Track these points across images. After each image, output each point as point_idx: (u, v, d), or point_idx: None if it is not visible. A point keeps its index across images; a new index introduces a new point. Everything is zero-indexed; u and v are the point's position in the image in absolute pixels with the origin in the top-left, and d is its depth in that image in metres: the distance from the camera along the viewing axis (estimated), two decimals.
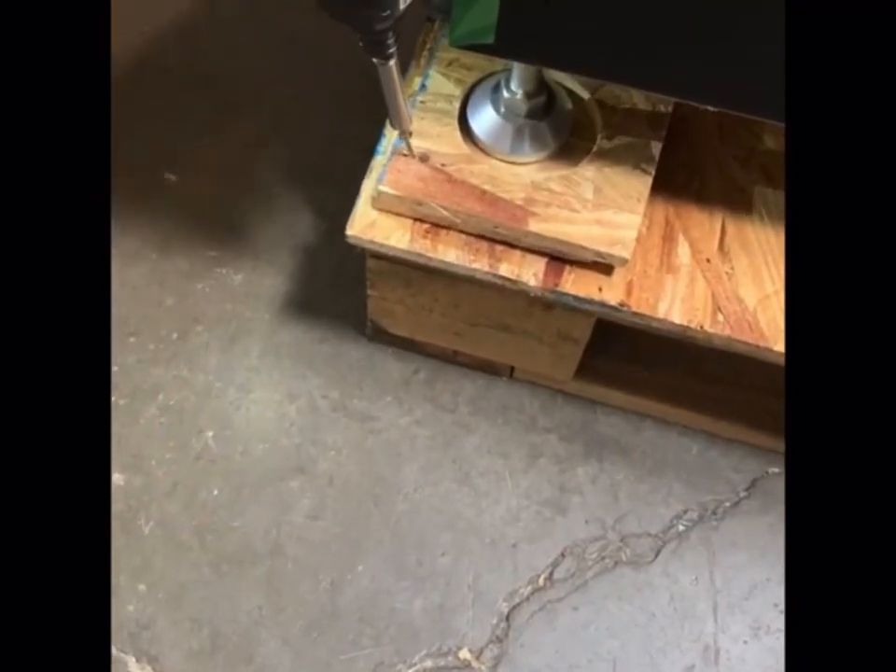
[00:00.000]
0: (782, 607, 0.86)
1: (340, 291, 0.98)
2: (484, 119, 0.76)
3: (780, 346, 0.72)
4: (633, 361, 0.91)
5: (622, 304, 0.74)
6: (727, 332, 0.73)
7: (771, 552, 0.88)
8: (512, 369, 0.93)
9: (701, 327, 0.73)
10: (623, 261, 0.72)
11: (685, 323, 0.73)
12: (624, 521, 0.89)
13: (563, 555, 0.88)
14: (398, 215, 0.75)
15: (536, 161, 0.76)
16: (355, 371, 0.95)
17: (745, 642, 0.85)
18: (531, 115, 0.75)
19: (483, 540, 0.88)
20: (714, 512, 0.90)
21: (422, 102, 0.77)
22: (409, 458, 0.91)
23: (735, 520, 0.90)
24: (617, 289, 0.74)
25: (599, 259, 0.72)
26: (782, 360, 0.73)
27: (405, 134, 0.74)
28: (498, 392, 0.95)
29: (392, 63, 0.66)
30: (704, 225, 0.77)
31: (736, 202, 0.78)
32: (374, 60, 0.65)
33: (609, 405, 0.94)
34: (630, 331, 0.78)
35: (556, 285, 0.74)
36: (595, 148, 0.76)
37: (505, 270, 0.74)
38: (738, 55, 0.59)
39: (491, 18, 0.60)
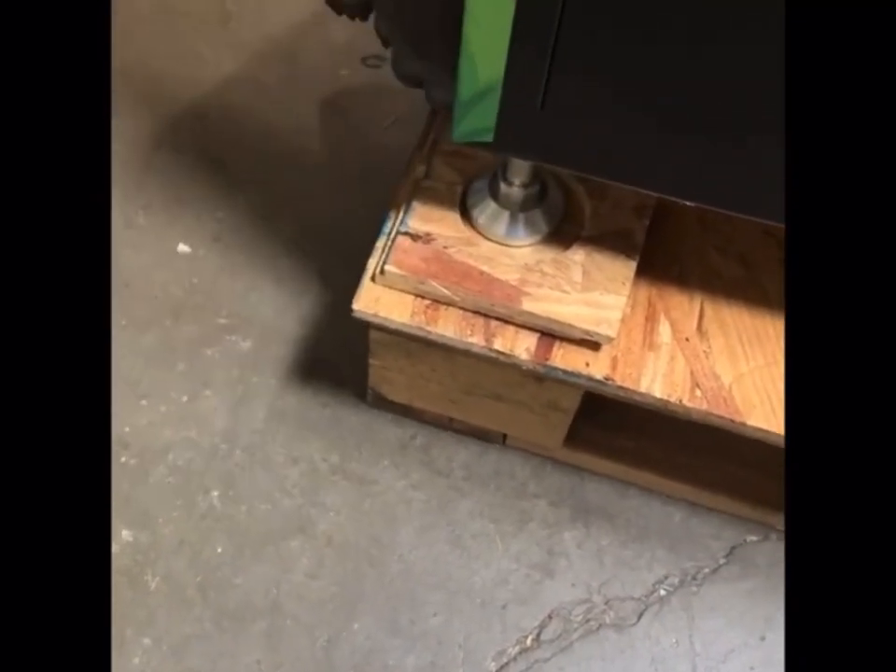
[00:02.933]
0: (758, 670, 0.89)
1: (342, 359, 1.03)
2: (483, 206, 0.82)
3: (753, 421, 0.77)
4: (619, 432, 0.97)
5: (607, 378, 0.79)
6: (704, 407, 0.78)
7: (748, 617, 0.92)
8: (505, 436, 0.98)
9: (680, 401, 0.78)
10: (609, 339, 0.78)
11: (665, 397, 0.78)
12: (609, 585, 0.94)
13: (550, 617, 0.92)
14: (401, 291, 0.81)
15: (530, 245, 0.82)
16: (355, 436, 1.00)
17: None
18: (525, 203, 0.81)
19: (474, 601, 0.92)
20: (694, 578, 0.94)
21: (426, 188, 0.83)
22: (404, 521, 0.96)
23: (715, 586, 0.94)
24: (603, 364, 0.79)
25: (587, 337, 0.78)
26: (756, 434, 0.78)
27: None
28: (491, 458, 0.99)
29: None
30: (684, 307, 0.83)
31: (715, 286, 0.84)
32: None
33: (596, 473, 0.99)
34: (617, 403, 0.83)
35: (547, 359, 0.79)
36: (584, 234, 0.82)
37: (499, 344, 0.79)
38: (725, 158, 0.66)
39: (490, 120, 0.67)
